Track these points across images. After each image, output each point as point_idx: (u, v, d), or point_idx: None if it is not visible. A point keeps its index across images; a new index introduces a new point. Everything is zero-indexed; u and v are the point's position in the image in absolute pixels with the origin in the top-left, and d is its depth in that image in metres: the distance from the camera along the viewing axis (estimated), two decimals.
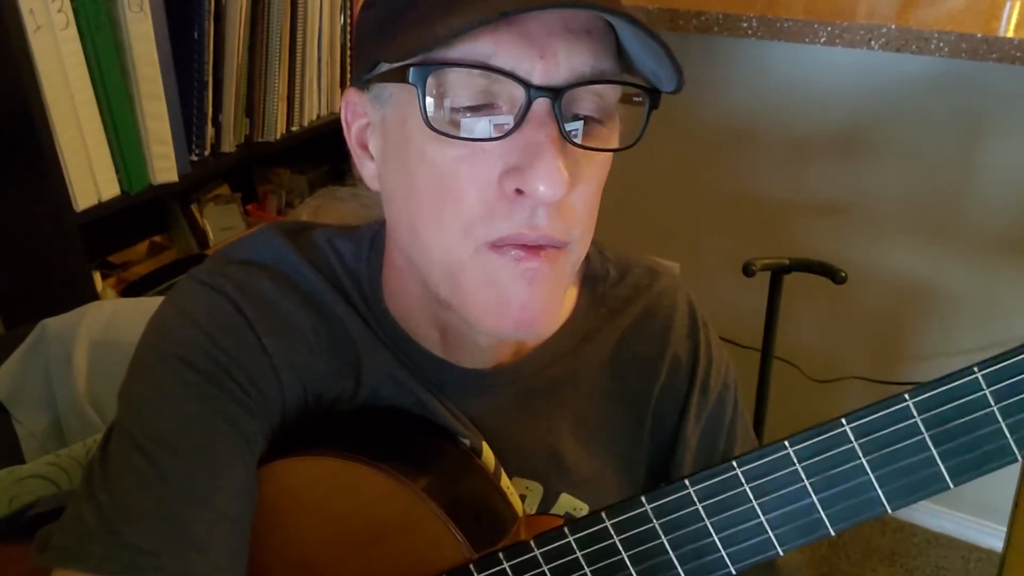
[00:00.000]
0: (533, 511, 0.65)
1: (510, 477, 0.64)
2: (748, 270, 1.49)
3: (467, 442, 0.62)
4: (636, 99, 0.54)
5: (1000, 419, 0.44)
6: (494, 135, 0.50)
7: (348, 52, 1.49)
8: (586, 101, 0.52)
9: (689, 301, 0.72)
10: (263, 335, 0.59)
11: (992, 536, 1.85)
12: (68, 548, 0.53)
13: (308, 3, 1.36)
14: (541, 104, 0.49)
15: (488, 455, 0.63)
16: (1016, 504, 1.21)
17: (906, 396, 0.46)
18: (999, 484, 1.72)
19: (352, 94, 0.58)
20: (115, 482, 0.54)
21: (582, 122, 0.52)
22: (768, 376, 1.64)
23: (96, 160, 1.09)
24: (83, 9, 1.03)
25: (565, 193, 0.49)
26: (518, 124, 0.49)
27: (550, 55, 0.49)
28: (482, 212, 0.51)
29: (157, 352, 0.59)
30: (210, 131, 1.26)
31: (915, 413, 0.46)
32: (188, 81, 1.20)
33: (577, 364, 0.68)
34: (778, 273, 1.54)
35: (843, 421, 0.47)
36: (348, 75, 1.50)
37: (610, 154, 0.54)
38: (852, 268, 1.47)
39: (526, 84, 0.49)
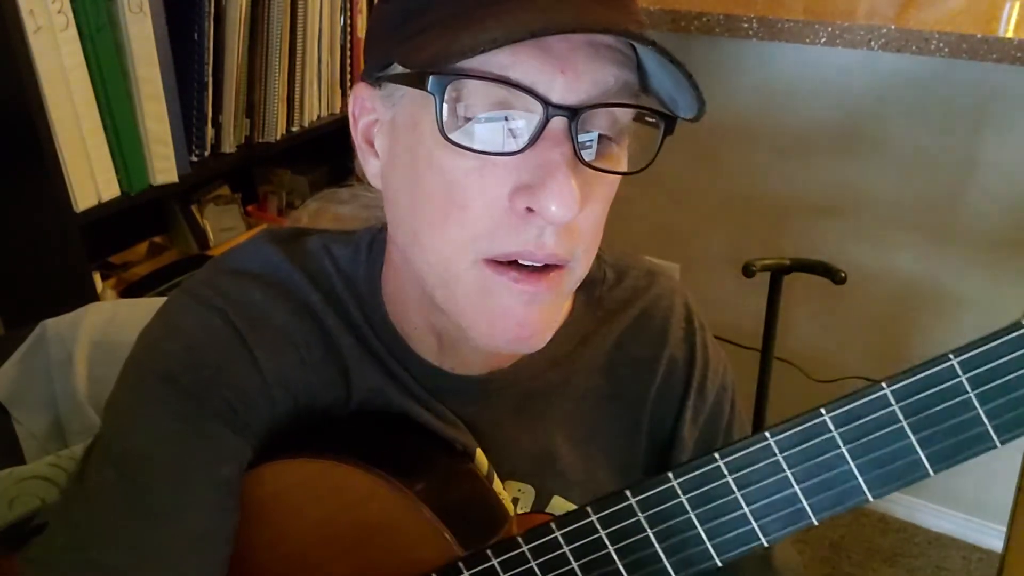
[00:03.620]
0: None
1: (503, 480, 0.64)
2: (748, 270, 1.49)
3: (460, 447, 0.62)
4: (649, 120, 0.53)
5: (978, 406, 0.44)
6: (508, 149, 0.49)
7: (348, 52, 1.49)
8: (601, 120, 0.51)
9: (686, 303, 0.72)
10: (254, 348, 0.59)
11: (992, 536, 1.85)
12: (40, 562, 0.54)
13: (308, 3, 1.36)
14: (558, 123, 0.48)
15: (481, 459, 0.63)
16: (1016, 504, 1.21)
17: (883, 384, 0.46)
18: (999, 484, 1.73)
19: (362, 89, 0.58)
20: (87, 497, 0.55)
21: (595, 140, 0.51)
22: (768, 376, 1.64)
23: (96, 161, 1.10)
24: (83, 10, 1.03)
25: (577, 214, 0.49)
26: (533, 141, 0.49)
27: (571, 69, 0.48)
28: (488, 227, 0.51)
29: (142, 367, 0.59)
30: (210, 132, 1.26)
31: (893, 401, 0.46)
32: (188, 82, 1.20)
33: (574, 367, 0.67)
34: (778, 273, 1.54)
35: (822, 411, 0.47)
36: (348, 75, 1.51)
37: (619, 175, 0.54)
38: (852, 268, 1.47)
39: (544, 101, 0.48)
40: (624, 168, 0.54)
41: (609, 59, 0.49)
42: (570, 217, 0.49)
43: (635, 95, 0.52)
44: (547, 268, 0.53)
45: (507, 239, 0.51)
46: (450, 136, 0.49)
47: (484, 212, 0.51)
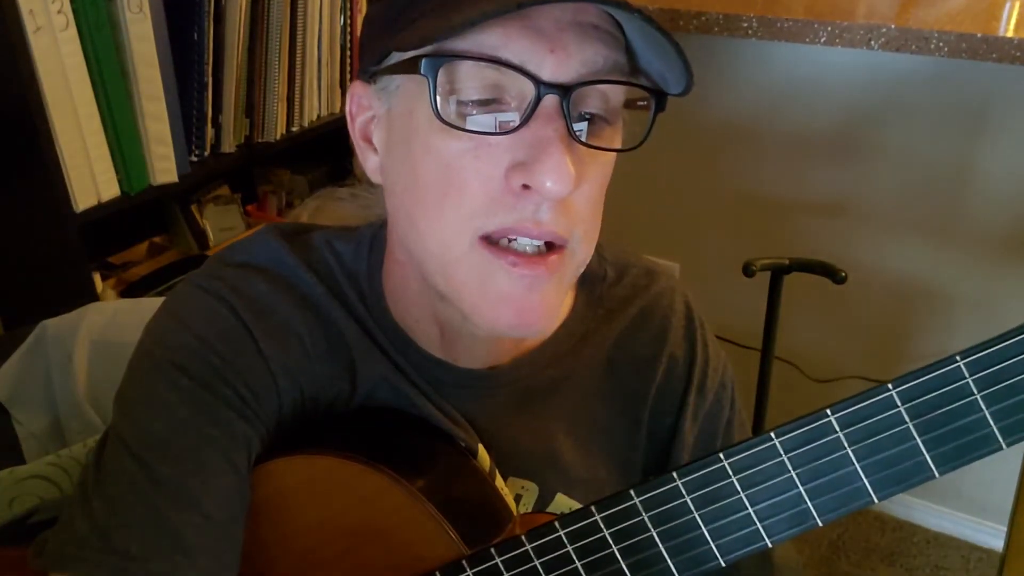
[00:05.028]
0: (529, 511, 0.65)
1: (506, 477, 0.64)
2: (748, 270, 1.49)
3: (463, 443, 0.62)
4: (640, 103, 0.54)
5: (983, 407, 0.45)
6: (500, 131, 0.50)
7: (348, 52, 1.49)
8: (593, 100, 0.52)
9: (686, 302, 0.72)
10: (260, 339, 0.59)
11: (992, 536, 1.85)
12: (61, 553, 0.53)
13: (308, 3, 1.36)
14: (550, 100, 0.49)
15: (484, 456, 0.63)
16: (1016, 504, 1.21)
17: (889, 386, 0.46)
18: (999, 484, 1.73)
19: (358, 87, 0.59)
20: (107, 487, 0.55)
21: (587, 121, 0.52)
22: (768, 376, 1.64)
23: (96, 161, 1.10)
24: (83, 10, 1.03)
25: (572, 189, 0.50)
26: (526, 119, 0.49)
27: (560, 48, 0.49)
28: (485, 205, 0.51)
29: (152, 357, 0.59)
30: (210, 131, 1.26)
31: (899, 403, 0.46)
32: (188, 82, 1.20)
33: (574, 365, 0.68)
34: (778, 273, 1.54)
35: (828, 412, 0.47)
36: (348, 75, 1.51)
37: (614, 154, 0.55)
38: (852, 268, 1.47)
39: (536, 80, 0.49)
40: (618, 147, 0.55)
41: (597, 39, 0.50)
42: (565, 192, 0.49)
43: (625, 75, 0.52)
44: (546, 251, 0.53)
45: (503, 215, 0.51)
46: (445, 119, 0.50)
47: (480, 191, 0.51)
